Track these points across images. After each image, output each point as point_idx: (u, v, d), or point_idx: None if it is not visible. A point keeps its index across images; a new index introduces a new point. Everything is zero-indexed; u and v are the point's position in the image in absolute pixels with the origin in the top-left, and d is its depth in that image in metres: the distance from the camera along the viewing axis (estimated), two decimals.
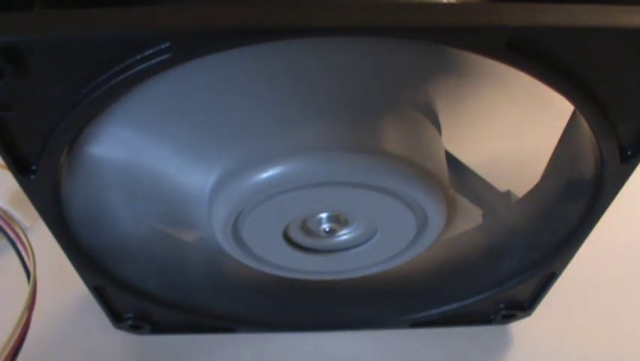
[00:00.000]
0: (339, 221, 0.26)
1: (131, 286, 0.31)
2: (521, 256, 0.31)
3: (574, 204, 0.28)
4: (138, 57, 0.19)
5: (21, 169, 0.23)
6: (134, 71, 0.19)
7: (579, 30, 0.19)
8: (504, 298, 0.34)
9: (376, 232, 0.27)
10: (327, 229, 0.26)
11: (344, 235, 0.27)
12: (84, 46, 0.19)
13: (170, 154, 0.25)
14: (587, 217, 0.27)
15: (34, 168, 0.23)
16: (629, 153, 0.24)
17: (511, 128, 0.27)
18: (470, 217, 0.29)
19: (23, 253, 0.31)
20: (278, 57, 0.22)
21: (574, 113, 0.25)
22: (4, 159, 0.22)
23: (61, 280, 0.32)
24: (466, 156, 0.27)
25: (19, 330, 0.28)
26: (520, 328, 0.37)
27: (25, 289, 0.30)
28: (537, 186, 0.29)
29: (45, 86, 0.20)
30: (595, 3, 0.19)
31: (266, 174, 0.23)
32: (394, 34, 0.19)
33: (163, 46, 0.19)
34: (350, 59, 0.23)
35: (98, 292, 0.31)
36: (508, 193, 0.29)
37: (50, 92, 0.20)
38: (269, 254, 0.28)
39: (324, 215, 0.26)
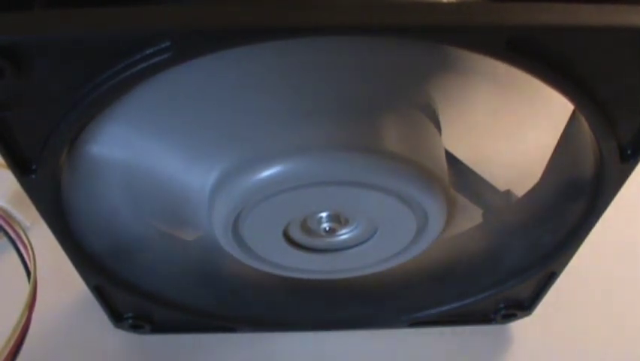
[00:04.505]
0: (339, 220, 0.26)
1: (130, 286, 0.31)
2: (521, 255, 0.31)
3: (574, 204, 0.28)
4: (138, 57, 0.19)
5: (21, 168, 0.23)
6: (134, 70, 0.19)
7: (579, 29, 0.19)
8: (504, 298, 0.34)
9: (376, 231, 0.27)
10: (327, 228, 0.26)
11: (344, 234, 0.27)
12: (84, 46, 0.19)
13: (170, 153, 0.25)
14: (586, 217, 0.27)
15: (34, 167, 0.23)
16: (628, 152, 0.24)
17: (511, 127, 0.27)
18: (470, 217, 0.29)
19: (23, 252, 0.31)
20: (277, 56, 0.22)
21: (574, 113, 0.25)
22: (4, 158, 0.22)
23: (61, 279, 0.32)
24: (467, 156, 0.27)
25: (19, 330, 0.29)
26: (520, 328, 0.37)
27: (25, 289, 0.30)
28: (537, 185, 0.29)
29: (45, 85, 0.20)
30: (595, 3, 0.19)
31: (266, 173, 0.23)
32: (394, 34, 0.20)
33: (163, 45, 0.19)
34: (350, 58, 0.23)
35: (98, 291, 0.31)
36: (508, 193, 0.29)
37: (50, 91, 0.20)
38: (269, 253, 0.28)
39: (324, 214, 0.26)
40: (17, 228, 0.31)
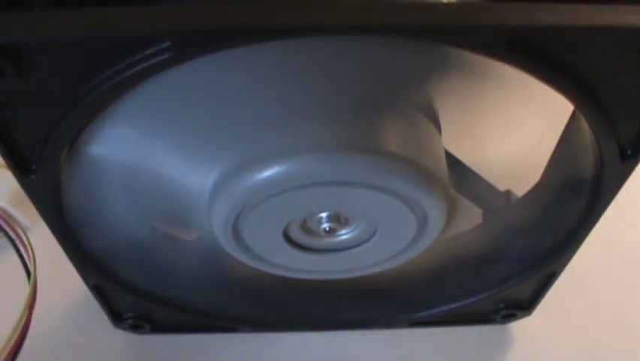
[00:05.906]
0: (339, 220, 0.26)
1: (130, 286, 0.31)
2: (521, 255, 0.31)
3: (574, 204, 0.28)
4: (138, 57, 0.19)
5: (21, 169, 0.23)
6: (134, 70, 0.19)
7: (579, 30, 0.19)
8: (504, 298, 0.34)
9: (376, 231, 0.27)
10: (327, 229, 0.26)
11: (344, 235, 0.27)
12: (84, 45, 0.19)
13: (170, 154, 0.25)
14: (586, 217, 0.27)
15: (34, 167, 0.23)
16: (628, 152, 0.24)
17: (511, 127, 0.27)
18: (470, 217, 0.29)
19: (23, 252, 0.31)
20: (277, 57, 0.22)
21: (574, 113, 0.25)
22: (4, 158, 0.22)
23: (61, 279, 0.32)
24: (466, 156, 0.27)
25: (19, 330, 0.28)
26: (520, 328, 0.37)
27: (25, 289, 0.30)
28: (537, 185, 0.29)
29: (45, 85, 0.20)
30: (595, 3, 0.19)
31: (266, 174, 0.23)
32: (394, 34, 0.20)
33: (163, 45, 0.19)
34: (350, 58, 0.23)
35: (98, 291, 0.31)
36: (508, 193, 0.29)
37: (50, 91, 0.20)
38: (269, 253, 0.28)
39: (324, 214, 0.26)
40: (17, 228, 0.31)
